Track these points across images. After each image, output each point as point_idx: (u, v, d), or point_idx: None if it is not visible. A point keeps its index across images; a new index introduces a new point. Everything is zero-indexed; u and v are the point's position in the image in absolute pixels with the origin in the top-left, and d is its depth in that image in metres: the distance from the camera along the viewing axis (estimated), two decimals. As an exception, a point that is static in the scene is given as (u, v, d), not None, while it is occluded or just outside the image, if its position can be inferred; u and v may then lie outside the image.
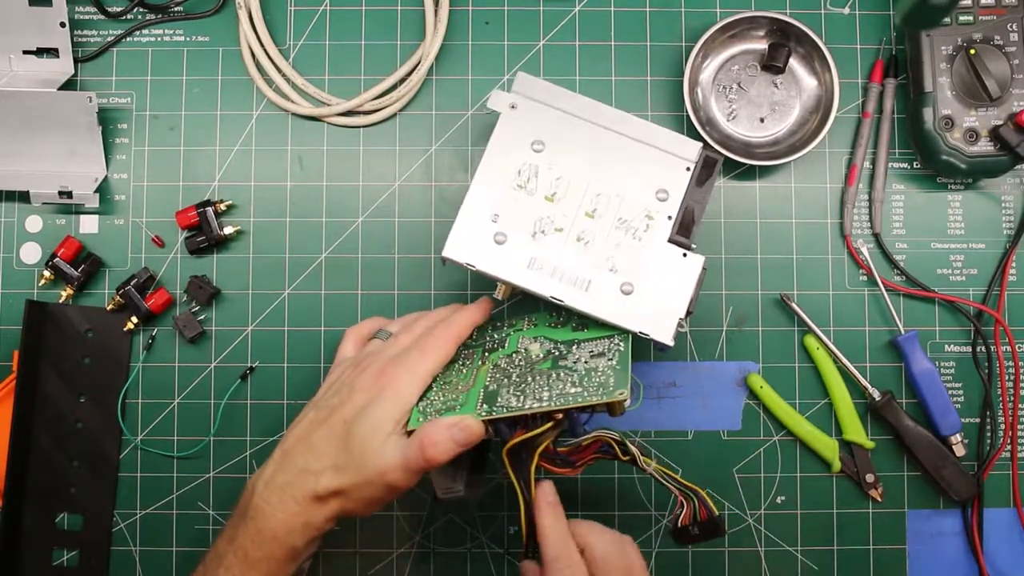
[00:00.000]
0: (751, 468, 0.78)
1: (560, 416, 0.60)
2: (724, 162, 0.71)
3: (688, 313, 0.65)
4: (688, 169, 0.68)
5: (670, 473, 0.64)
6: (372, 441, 0.60)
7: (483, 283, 0.78)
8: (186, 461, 0.78)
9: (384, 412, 0.61)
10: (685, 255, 0.66)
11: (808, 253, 0.79)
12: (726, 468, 0.78)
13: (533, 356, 0.65)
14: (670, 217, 0.67)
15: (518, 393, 0.61)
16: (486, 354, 0.67)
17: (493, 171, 0.68)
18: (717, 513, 0.64)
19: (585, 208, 0.67)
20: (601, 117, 0.69)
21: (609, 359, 0.62)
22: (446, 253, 0.66)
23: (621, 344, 0.64)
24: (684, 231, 0.67)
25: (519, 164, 0.68)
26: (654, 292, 0.66)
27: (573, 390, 0.60)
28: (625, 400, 0.59)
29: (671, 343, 0.64)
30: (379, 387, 0.62)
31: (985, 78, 0.74)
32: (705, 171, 0.68)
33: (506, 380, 0.63)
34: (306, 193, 0.79)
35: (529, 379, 0.62)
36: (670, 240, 0.67)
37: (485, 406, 0.61)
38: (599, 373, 0.61)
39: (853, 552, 0.77)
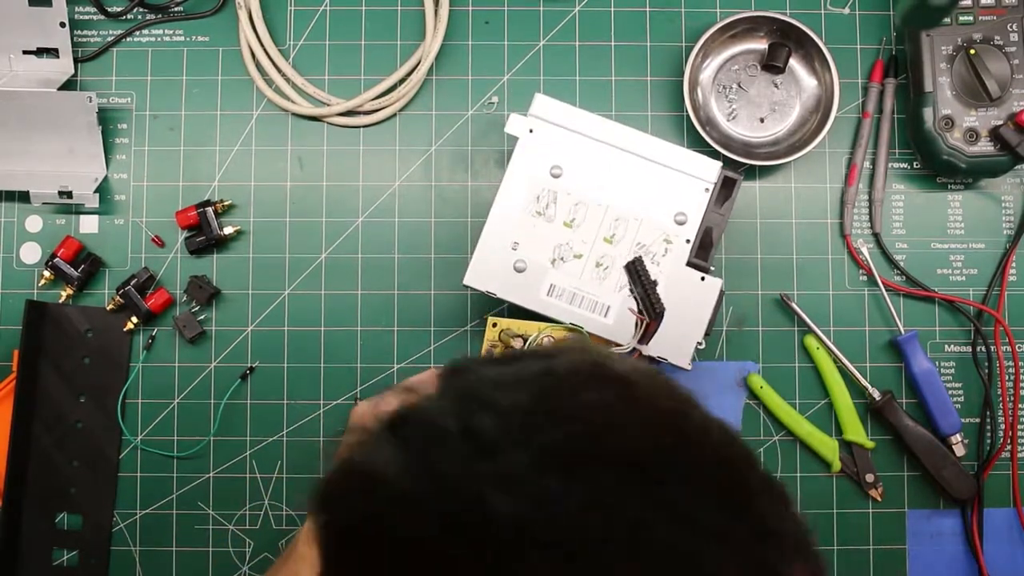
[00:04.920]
0: (751, 468, 0.78)
1: None
2: (724, 161, 0.71)
3: (706, 335, 0.66)
4: (707, 190, 0.68)
5: None
6: None
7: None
8: (186, 461, 0.78)
9: None
10: (703, 279, 0.67)
11: (808, 253, 0.79)
12: (726, 468, 0.78)
13: None
14: (688, 240, 0.68)
15: None
16: None
17: (512, 198, 0.68)
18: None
19: (604, 233, 0.68)
20: (619, 138, 0.69)
21: None
22: (467, 281, 0.68)
23: None
24: (703, 253, 0.68)
25: (538, 190, 0.68)
26: (673, 317, 0.66)
27: None
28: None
29: (689, 367, 0.65)
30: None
31: (985, 78, 0.74)
32: (724, 191, 0.68)
33: None
34: (306, 193, 0.79)
35: None
36: (688, 263, 0.67)
37: None
38: None
39: (853, 552, 0.77)
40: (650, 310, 0.61)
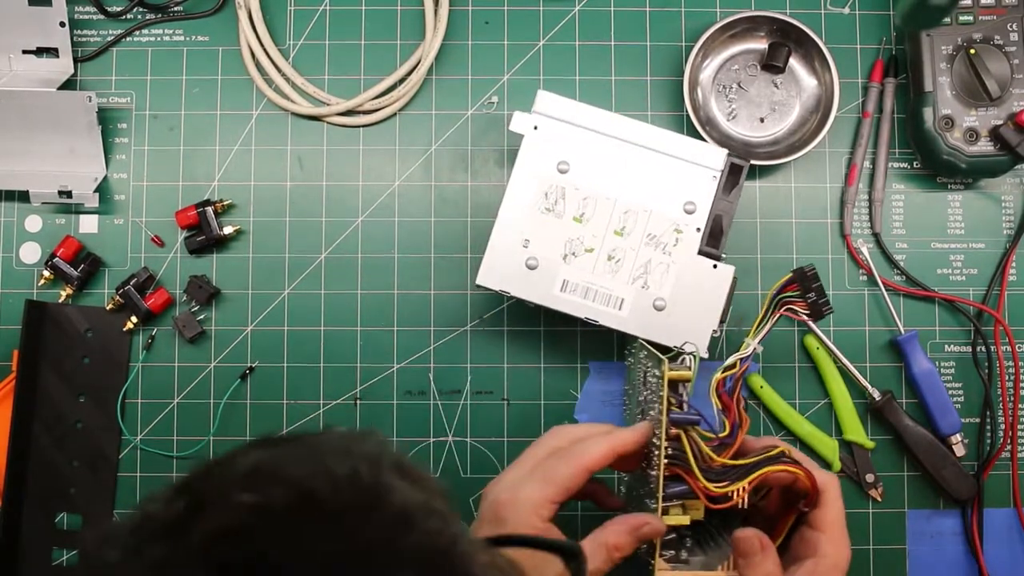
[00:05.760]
0: (751, 468, 0.78)
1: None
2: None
3: (721, 322, 0.66)
4: (714, 178, 0.68)
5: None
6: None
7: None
8: (186, 461, 0.77)
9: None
10: (715, 266, 0.67)
11: (808, 253, 0.79)
12: (726, 468, 0.78)
13: None
14: (698, 229, 0.68)
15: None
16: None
17: (521, 196, 0.68)
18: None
19: (614, 226, 0.68)
20: (624, 131, 0.69)
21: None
22: (480, 281, 0.68)
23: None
24: (713, 241, 0.68)
25: (546, 187, 0.68)
26: (687, 306, 0.67)
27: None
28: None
29: (705, 355, 0.65)
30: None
31: (985, 78, 0.74)
32: (732, 178, 0.68)
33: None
34: (306, 193, 0.79)
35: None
36: (700, 252, 0.67)
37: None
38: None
39: (853, 552, 0.76)
40: (818, 312, 0.64)
